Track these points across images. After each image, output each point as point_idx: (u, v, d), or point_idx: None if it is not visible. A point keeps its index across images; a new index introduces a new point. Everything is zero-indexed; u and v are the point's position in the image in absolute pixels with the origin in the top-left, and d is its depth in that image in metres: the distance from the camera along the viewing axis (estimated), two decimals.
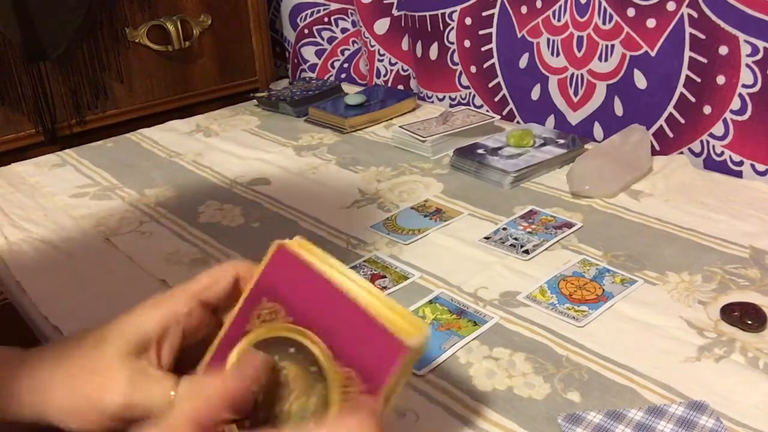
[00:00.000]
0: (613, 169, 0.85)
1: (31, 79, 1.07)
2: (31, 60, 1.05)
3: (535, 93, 1.09)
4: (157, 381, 0.38)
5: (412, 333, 0.35)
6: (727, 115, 0.87)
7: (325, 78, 1.41)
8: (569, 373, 0.54)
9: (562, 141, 0.96)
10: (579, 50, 1.01)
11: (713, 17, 0.84)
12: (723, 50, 0.84)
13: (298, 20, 1.41)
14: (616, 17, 0.94)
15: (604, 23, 0.96)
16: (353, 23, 1.37)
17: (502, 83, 1.14)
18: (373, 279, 0.68)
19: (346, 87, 1.30)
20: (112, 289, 0.69)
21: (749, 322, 0.58)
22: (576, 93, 1.03)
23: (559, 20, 1.02)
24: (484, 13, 1.12)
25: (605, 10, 0.95)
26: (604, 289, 0.65)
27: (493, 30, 1.11)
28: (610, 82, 0.98)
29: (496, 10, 1.10)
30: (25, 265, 0.75)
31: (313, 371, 0.37)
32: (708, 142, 0.90)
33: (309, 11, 1.39)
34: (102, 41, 1.13)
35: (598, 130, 1.03)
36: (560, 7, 1.01)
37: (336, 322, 0.37)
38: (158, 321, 0.39)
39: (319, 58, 1.43)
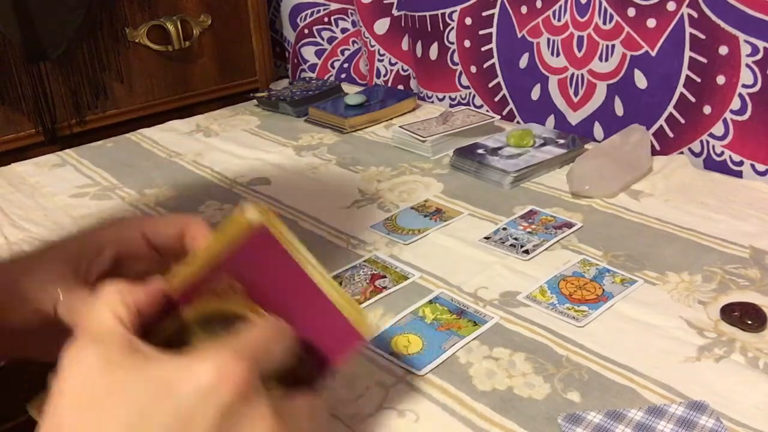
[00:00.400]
0: (613, 169, 0.85)
1: (31, 79, 1.07)
2: (31, 60, 1.05)
3: (535, 93, 1.09)
4: (82, 297, 0.40)
5: (364, 326, 0.36)
6: (727, 115, 0.87)
7: (325, 78, 1.41)
8: (569, 373, 0.54)
9: (562, 141, 0.96)
10: (579, 50, 1.01)
11: (713, 17, 0.84)
12: (723, 50, 0.84)
13: (298, 20, 1.41)
14: (616, 17, 0.94)
15: (604, 23, 0.96)
16: (353, 23, 1.37)
17: (502, 83, 1.14)
18: (373, 279, 0.68)
19: (346, 87, 1.30)
20: None
21: (749, 322, 0.58)
22: (576, 93, 1.03)
23: (559, 20, 1.02)
24: (484, 13, 1.12)
25: (605, 10, 0.95)
26: (604, 289, 0.65)
27: (493, 30, 1.11)
28: (611, 82, 0.98)
29: (496, 10, 1.10)
30: None
31: None
32: (708, 142, 0.90)
33: (309, 11, 1.39)
34: (102, 41, 1.13)
35: (598, 130, 1.03)
36: (560, 7, 1.01)
37: (296, 301, 0.37)
38: (96, 244, 0.42)
39: (319, 58, 1.43)
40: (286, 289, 0.37)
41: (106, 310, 0.34)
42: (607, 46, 0.97)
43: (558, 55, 1.03)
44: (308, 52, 1.43)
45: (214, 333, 0.36)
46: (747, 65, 0.83)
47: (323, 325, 0.37)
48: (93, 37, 1.12)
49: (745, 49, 0.82)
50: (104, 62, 1.14)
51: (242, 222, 0.36)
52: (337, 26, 1.39)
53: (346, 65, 1.42)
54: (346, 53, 1.41)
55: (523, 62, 1.09)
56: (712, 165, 0.90)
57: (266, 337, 0.33)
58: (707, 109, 0.88)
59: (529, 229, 0.77)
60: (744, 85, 0.84)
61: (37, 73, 1.07)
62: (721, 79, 0.86)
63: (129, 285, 0.35)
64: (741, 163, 0.87)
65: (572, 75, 1.03)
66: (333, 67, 1.43)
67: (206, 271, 0.37)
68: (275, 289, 0.38)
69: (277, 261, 0.37)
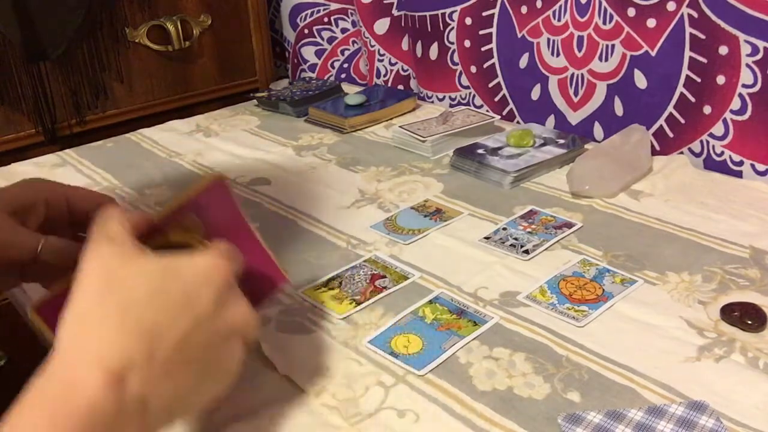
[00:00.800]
0: (613, 169, 0.85)
1: (31, 79, 1.07)
2: (31, 60, 1.05)
3: (535, 93, 1.09)
4: (26, 234, 0.48)
5: (284, 271, 0.51)
6: (727, 115, 0.87)
7: (325, 78, 1.41)
8: (569, 373, 0.54)
9: (562, 141, 0.96)
10: (579, 50, 1.01)
11: (713, 17, 0.84)
12: (723, 50, 0.84)
13: (298, 20, 1.41)
14: (616, 17, 0.94)
15: (604, 23, 0.96)
16: (353, 23, 1.37)
17: (502, 83, 1.14)
18: (373, 279, 0.68)
19: (346, 87, 1.30)
20: None
21: (749, 322, 0.58)
22: (576, 93, 1.03)
23: (559, 20, 1.02)
24: (484, 13, 1.12)
25: (605, 10, 0.95)
26: (604, 289, 0.65)
27: (493, 30, 1.11)
28: (611, 82, 0.98)
29: (496, 10, 1.10)
30: None
31: None
32: (708, 142, 0.90)
33: (309, 11, 1.39)
34: (102, 41, 1.13)
35: (598, 130, 1.03)
36: (560, 7, 1.01)
37: (239, 247, 0.46)
38: (33, 199, 0.50)
39: (319, 58, 1.43)
40: (231, 231, 0.49)
41: (115, 222, 0.42)
42: (607, 46, 0.97)
43: (558, 55, 1.03)
44: (308, 52, 1.43)
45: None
46: (747, 65, 0.83)
47: (257, 263, 0.49)
48: (93, 37, 1.12)
49: (745, 49, 0.82)
50: (104, 62, 1.14)
51: (206, 177, 0.49)
52: (337, 26, 1.39)
53: (346, 65, 1.42)
54: (346, 53, 1.41)
55: (523, 62, 1.09)
56: (712, 165, 0.90)
57: (232, 251, 0.44)
58: (707, 109, 0.88)
59: (529, 229, 0.76)
60: (744, 85, 0.84)
61: (37, 73, 1.07)
62: (721, 79, 0.86)
63: (125, 210, 0.44)
64: (741, 163, 0.87)
65: (572, 75, 1.03)
66: (333, 67, 1.43)
67: (177, 209, 0.48)
68: (226, 228, 0.49)
69: (227, 208, 0.50)
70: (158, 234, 0.47)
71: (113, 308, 0.37)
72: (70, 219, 0.51)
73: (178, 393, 0.38)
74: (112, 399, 0.34)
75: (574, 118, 1.05)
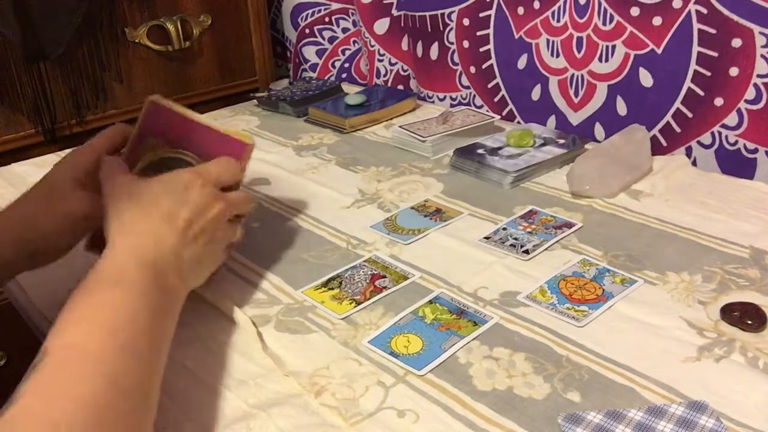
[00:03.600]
0: (613, 169, 0.85)
1: (31, 79, 1.07)
2: (31, 60, 1.05)
3: (535, 94, 1.09)
4: (99, 201, 0.58)
5: (248, 138, 0.64)
6: (741, 104, 0.87)
7: (326, 78, 1.41)
8: (569, 373, 0.54)
9: (562, 141, 0.96)
10: (579, 51, 1.01)
11: (725, 11, 0.85)
12: (736, 43, 0.85)
13: (299, 20, 1.41)
14: (617, 17, 0.94)
15: (604, 24, 0.96)
16: (354, 23, 1.37)
17: (501, 84, 1.14)
18: (373, 279, 0.68)
19: (346, 87, 1.30)
20: None
21: (749, 322, 0.58)
22: (576, 94, 1.03)
23: (558, 21, 1.02)
24: (481, 14, 1.12)
25: (605, 10, 0.95)
26: (604, 289, 0.65)
27: (490, 31, 1.11)
28: (612, 82, 0.98)
29: (492, 12, 1.10)
30: None
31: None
32: (720, 132, 0.90)
33: (310, 11, 1.39)
34: (102, 41, 1.13)
35: (599, 130, 1.03)
36: (559, 8, 1.01)
37: (200, 141, 0.62)
38: (83, 166, 0.63)
39: (320, 58, 1.43)
40: (190, 135, 0.63)
41: (114, 162, 0.60)
42: (607, 46, 0.97)
43: (558, 55, 1.04)
44: (309, 52, 1.43)
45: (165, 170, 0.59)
46: (762, 56, 0.83)
47: (220, 144, 0.62)
48: (93, 37, 1.12)
49: (760, 41, 0.83)
50: (104, 62, 1.14)
51: (144, 104, 0.63)
52: (338, 26, 1.39)
53: (347, 65, 1.42)
54: (347, 53, 1.41)
55: (522, 63, 1.09)
56: (724, 155, 0.91)
57: (219, 167, 0.61)
58: (719, 101, 0.89)
59: (529, 229, 0.76)
60: (759, 75, 0.84)
61: (37, 73, 1.07)
62: (734, 71, 0.86)
63: (115, 159, 0.61)
64: (755, 151, 0.88)
65: (572, 76, 1.03)
66: (334, 67, 1.43)
67: (135, 139, 0.63)
68: (183, 136, 0.63)
69: (173, 118, 0.64)
70: (137, 160, 0.63)
71: (134, 210, 0.54)
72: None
73: (198, 258, 0.57)
74: (149, 271, 0.51)
75: (575, 118, 1.05)
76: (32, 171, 0.99)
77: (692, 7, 0.87)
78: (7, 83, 1.04)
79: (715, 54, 0.87)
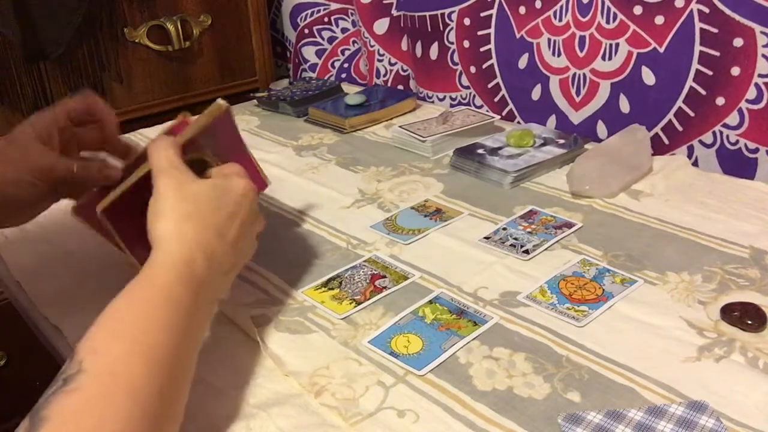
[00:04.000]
0: (613, 169, 0.85)
1: (31, 79, 1.07)
2: (31, 60, 1.05)
3: (536, 93, 1.09)
4: (63, 158, 0.60)
5: (267, 178, 0.71)
6: (743, 104, 0.87)
7: (326, 78, 1.41)
8: (569, 373, 0.54)
9: (562, 141, 0.96)
10: (581, 50, 1.01)
11: (727, 11, 0.85)
12: (738, 42, 0.85)
13: (299, 20, 1.41)
14: (620, 16, 0.94)
15: (607, 22, 0.96)
16: (353, 23, 1.37)
17: (501, 84, 1.14)
18: (373, 279, 0.68)
19: (346, 87, 1.30)
20: (112, 288, 0.69)
21: (749, 322, 0.58)
22: (578, 92, 1.03)
23: (560, 20, 1.02)
24: (482, 14, 1.12)
25: (608, 9, 0.95)
26: (604, 289, 0.65)
27: (491, 31, 1.11)
28: (615, 80, 0.98)
29: (494, 11, 1.10)
30: (25, 265, 0.75)
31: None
32: (721, 132, 0.90)
33: (309, 11, 1.39)
34: (102, 41, 1.13)
35: (601, 129, 1.03)
36: (561, 7, 1.01)
37: (236, 160, 0.62)
38: (46, 126, 0.61)
39: (320, 58, 1.43)
40: (232, 148, 0.66)
41: (171, 151, 0.55)
42: (611, 44, 0.97)
43: (559, 55, 1.04)
44: (309, 52, 1.43)
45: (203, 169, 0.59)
46: (763, 55, 0.83)
47: (249, 172, 0.60)
48: (93, 37, 1.12)
49: (762, 40, 0.83)
50: (104, 62, 1.14)
51: (216, 107, 0.61)
52: (337, 26, 1.39)
53: (346, 65, 1.42)
54: (347, 53, 1.41)
55: (522, 63, 1.09)
56: (725, 154, 0.91)
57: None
58: (720, 101, 0.89)
59: (529, 229, 0.76)
60: (760, 75, 0.84)
61: (37, 73, 1.07)
62: (735, 71, 0.86)
63: (169, 137, 0.57)
64: (756, 150, 0.88)
65: (574, 75, 1.03)
66: (333, 67, 1.43)
67: (197, 134, 0.59)
68: (228, 147, 0.65)
69: (230, 131, 0.66)
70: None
71: (191, 212, 0.52)
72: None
73: (231, 265, 0.55)
74: (195, 287, 0.50)
75: (576, 117, 1.05)
76: None
77: (694, 6, 0.87)
78: (7, 83, 1.04)
79: (716, 53, 0.87)
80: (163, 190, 0.53)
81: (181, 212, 0.52)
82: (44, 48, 1.05)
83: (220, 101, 0.61)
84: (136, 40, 1.17)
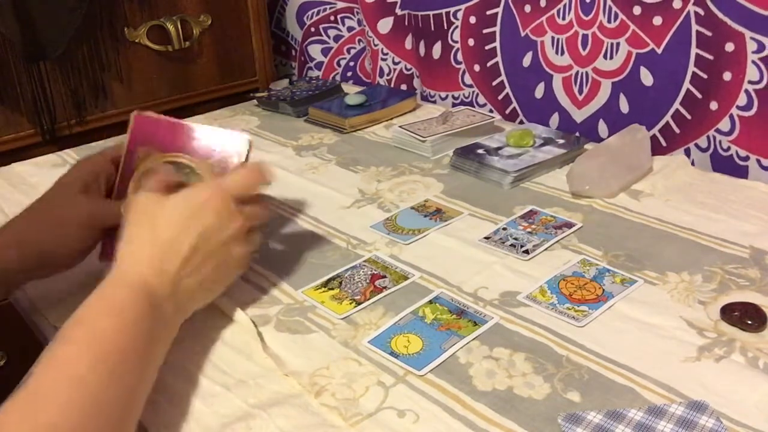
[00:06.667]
0: (613, 169, 0.85)
1: (31, 79, 1.07)
2: (31, 60, 1.05)
3: (539, 91, 1.09)
4: (110, 203, 0.63)
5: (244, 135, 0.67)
6: (734, 110, 0.87)
7: (331, 76, 1.41)
8: (569, 373, 0.54)
9: (562, 141, 0.96)
10: (584, 48, 1.01)
11: (719, 14, 0.84)
12: (729, 47, 0.85)
13: (305, 18, 1.41)
14: (621, 15, 0.94)
15: (609, 21, 0.96)
16: (359, 22, 1.36)
17: (506, 81, 1.14)
18: (373, 279, 0.68)
19: (346, 87, 1.30)
20: None
21: (749, 322, 0.58)
22: (581, 91, 1.03)
23: (563, 19, 1.02)
24: (488, 12, 1.12)
25: (610, 8, 0.95)
26: (604, 289, 0.65)
27: (497, 28, 1.11)
28: (616, 79, 0.98)
29: (500, 9, 1.10)
30: None
31: (186, 172, 0.64)
32: (714, 137, 0.90)
33: (315, 9, 1.39)
34: (102, 41, 1.13)
35: (603, 128, 1.03)
36: (565, 5, 1.01)
37: (194, 143, 0.64)
38: (94, 173, 0.64)
39: (326, 57, 1.43)
40: (175, 138, 0.64)
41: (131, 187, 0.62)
42: (612, 44, 0.97)
43: (562, 53, 1.04)
44: (315, 51, 1.43)
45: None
46: (753, 62, 0.83)
47: (217, 145, 0.63)
48: (93, 37, 1.12)
49: (751, 46, 0.83)
50: (104, 62, 1.14)
51: (130, 119, 0.65)
52: (343, 25, 1.39)
53: (352, 63, 1.42)
54: (352, 51, 1.41)
55: (527, 61, 1.09)
56: (719, 160, 0.91)
57: (230, 180, 0.61)
58: (714, 105, 0.89)
59: (529, 229, 0.76)
60: (750, 82, 0.84)
61: (37, 73, 1.07)
62: (727, 76, 0.86)
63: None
64: (747, 158, 0.87)
65: (577, 73, 1.03)
66: (339, 66, 1.43)
67: (126, 155, 0.65)
68: (171, 139, 0.65)
69: (160, 127, 0.65)
70: (131, 173, 0.64)
71: (144, 233, 0.55)
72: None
73: (201, 283, 0.56)
74: (144, 302, 0.51)
75: (579, 115, 1.05)
76: (32, 171, 0.99)
77: (691, 8, 0.87)
78: (7, 83, 1.04)
79: (711, 57, 0.87)
80: (128, 212, 0.57)
81: (134, 233, 0.55)
82: (44, 48, 1.05)
83: (134, 113, 0.66)
84: (136, 40, 1.17)
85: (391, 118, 1.15)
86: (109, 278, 0.52)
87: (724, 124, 0.88)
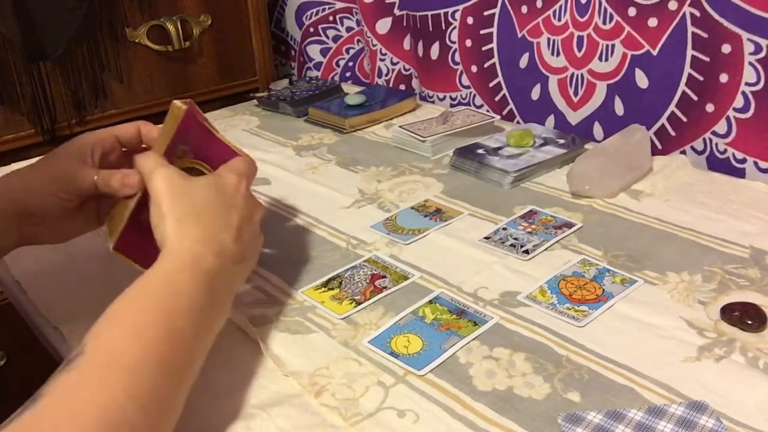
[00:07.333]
0: (613, 169, 0.85)
1: (31, 79, 1.07)
2: (31, 60, 1.05)
3: (535, 93, 1.09)
4: (87, 169, 0.61)
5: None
6: (730, 113, 0.87)
7: (330, 76, 1.41)
8: (569, 373, 0.54)
9: (562, 141, 0.96)
10: (579, 50, 1.01)
11: (716, 16, 0.84)
12: (726, 48, 0.84)
13: (304, 18, 1.41)
14: (616, 17, 0.94)
15: (604, 23, 0.96)
16: (358, 22, 1.37)
17: (503, 83, 1.14)
18: (373, 279, 0.68)
19: (346, 87, 1.30)
20: (113, 288, 0.69)
21: (749, 322, 0.58)
22: (576, 93, 1.03)
23: (559, 20, 1.02)
24: (485, 13, 1.12)
25: (605, 10, 0.95)
26: (604, 289, 0.65)
27: (494, 30, 1.11)
28: (611, 81, 0.98)
29: (497, 10, 1.10)
30: (25, 265, 0.75)
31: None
32: (711, 140, 0.90)
33: (314, 9, 1.39)
34: (102, 41, 1.13)
35: (598, 130, 1.03)
36: (560, 7, 1.01)
37: (214, 154, 0.62)
38: (90, 143, 0.62)
39: (325, 57, 1.43)
40: (206, 142, 0.62)
41: (152, 155, 0.57)
42: (607, 45, 0.97)
43: (558, 54, 1.04)
44: (314, 51, 1.43)
45: None
46: (750, 63, 0.83)
47: (227, 157, 0.62)
48: (93, 37, 1.12)
49: (748, 48, 0.82)
50: (104, 62, 1.14)
51: (177, 110, 0.58)
52: (342, 25, 1.39)
53: (350, 64, 1.42)
54: (351, 52, 1.41)
55: (524, 62, 1.09)
56: (715, 162, 0.90)
57: (244, 168, 0.61)
58: (710, 107, 0.88)
59: (529, 229, 0.76)
60: (747, 83, 0.84)
61: (36, 73, 1.07)
62: (724, 78, 0.86)
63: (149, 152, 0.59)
64: (744, 161, 0.87)
65: (572, 75, 1.03)
66: (338, 66, 1.43)
67: (170, 145, 0.59)
68: (203, 143, 0.62)
69: (199, 126, 0.62)
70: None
71: (186, 212, 0.53)
72: (124, 150, 0.65)
73: (240, 255, 0.56)
74: (194, 270, 0.51)
75: (574, 117, 1.05)
76: None
77: (687, 9, 0.87)
78: (7, 83, 1.04)
79: (707, 59, 0.87)
80: (157, 191, 0.54)
81: (181, 211, 0.53)
82: (44, 48, 1.05)
83: (177, 103, 0.59)
84: (136, 40, 1.17)
85: (391, 118, 1.15)
86: (161, 258, 0.51)
87: (721, 127, 0.88)
